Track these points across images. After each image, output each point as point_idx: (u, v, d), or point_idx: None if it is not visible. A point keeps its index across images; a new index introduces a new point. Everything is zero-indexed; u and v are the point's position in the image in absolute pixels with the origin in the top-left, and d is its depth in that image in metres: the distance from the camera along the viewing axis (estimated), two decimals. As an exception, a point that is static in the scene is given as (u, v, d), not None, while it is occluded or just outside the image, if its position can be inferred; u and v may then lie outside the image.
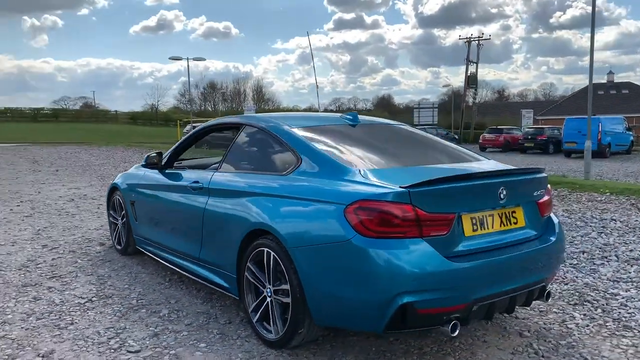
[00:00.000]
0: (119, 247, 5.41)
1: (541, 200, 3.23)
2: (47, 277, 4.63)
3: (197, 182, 3.93)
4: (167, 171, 4.58)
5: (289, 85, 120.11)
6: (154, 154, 4.67)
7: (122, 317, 3.70)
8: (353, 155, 3.23)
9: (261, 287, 3.24)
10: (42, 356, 3.10)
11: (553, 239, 3.20)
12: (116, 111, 60.06)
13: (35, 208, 8.26)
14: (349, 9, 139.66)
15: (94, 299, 4.07)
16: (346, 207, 2.75)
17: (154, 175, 4.68)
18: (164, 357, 3.10)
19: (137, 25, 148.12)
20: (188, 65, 37.15)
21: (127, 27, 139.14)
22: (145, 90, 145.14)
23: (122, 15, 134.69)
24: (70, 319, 3.67)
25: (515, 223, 3.08)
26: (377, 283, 2.63)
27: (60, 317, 3.70)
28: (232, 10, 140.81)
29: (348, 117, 3.87)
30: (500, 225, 2.99)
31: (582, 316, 3.67)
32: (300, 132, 3.44)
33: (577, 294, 4.11)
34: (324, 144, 3.32)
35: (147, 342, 3.28)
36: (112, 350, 3.17)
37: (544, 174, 3.30)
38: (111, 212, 5.58)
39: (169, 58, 37.37)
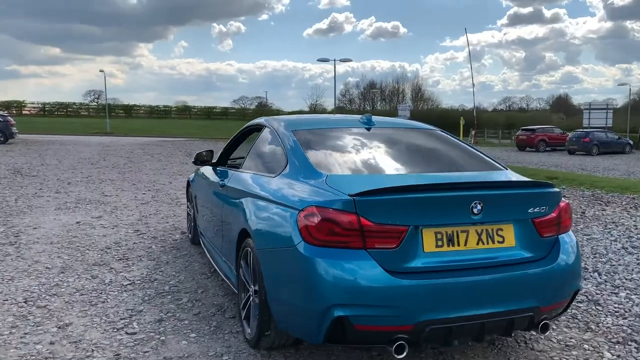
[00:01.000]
0: (190, 236, 5.85)
1: (540, 219, 2.81)
2: (117, 258, 5.18)
3: (223, 179, 4.12)
4: (217, 168, 4.84)
5: (456, 83, 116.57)
6: (205, 152, 4.96)
7: (146, 301, 4.02)
8: (337, 160, 3.13)
9: (248, 286, 3.31)
10: (59, 327, 3.51)
11: (553, 263, 2.78)
12: (278, 110, 64.34)
13: (156, 197, 9.21)
14: (526, 3, 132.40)
15: (137, 281, 4.48)
16: (299, 212, 2.69)
17: (208, 172, 4.98)
18: (152, 341, 3.31)
19: (310, 28, 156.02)
20: (335, 66, 38.37)
21: (301, 30, 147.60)
22: (315, 91, 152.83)
23: (297, 19, 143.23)
24: (105, 297, 4.08)
25: (501, 242, 2.73)
26: (314, 292, 2.54)
27: (98, 295, 4.14)
28: (402, 8, 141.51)
29: (363, 120, 3.75)
30: (478, 244, 2.68)
31: (614, 357, 3.13)
32: (299, 135, 3.42)
33: (628, 330, 3.50)
34: (316, 148, 3.27)
35: (148, 327, 3.53)
36: (115, 330, 3.48)
37: (549, 189, 2.87)
38: (188, 203, 6.05)
39: (317, 60, 39.03)
